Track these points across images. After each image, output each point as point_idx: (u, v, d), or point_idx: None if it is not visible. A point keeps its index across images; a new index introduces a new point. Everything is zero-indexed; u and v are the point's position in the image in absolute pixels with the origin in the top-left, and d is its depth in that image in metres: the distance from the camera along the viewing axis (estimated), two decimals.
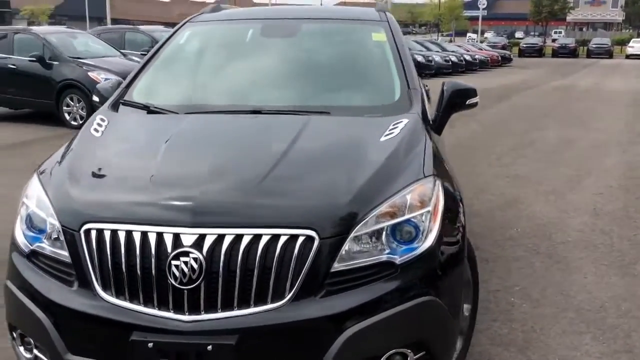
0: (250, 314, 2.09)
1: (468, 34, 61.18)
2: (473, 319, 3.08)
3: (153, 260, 2.11)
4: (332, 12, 3.99)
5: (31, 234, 2.41)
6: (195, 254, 2.08)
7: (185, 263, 2.07)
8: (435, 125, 3.29)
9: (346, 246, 2.19)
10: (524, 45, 48.62)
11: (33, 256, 2.36)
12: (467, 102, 3.40)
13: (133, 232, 2.15)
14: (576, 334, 3.42)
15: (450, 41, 46.69)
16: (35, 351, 2.35)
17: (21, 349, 2.41)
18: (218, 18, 3.83)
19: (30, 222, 2.43)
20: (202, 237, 2.11)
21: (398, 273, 2.23)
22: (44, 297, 2.24)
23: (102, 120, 2.96)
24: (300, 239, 2.13)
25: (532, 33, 73.38)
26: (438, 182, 2.49)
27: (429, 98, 5.21)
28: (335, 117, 2.93)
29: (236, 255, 2.09)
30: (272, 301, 2.11)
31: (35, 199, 2.45)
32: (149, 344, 2.06)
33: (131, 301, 2.14)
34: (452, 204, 2.59)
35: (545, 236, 5.07)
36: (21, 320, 2.35)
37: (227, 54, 3.62)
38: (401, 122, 2.81)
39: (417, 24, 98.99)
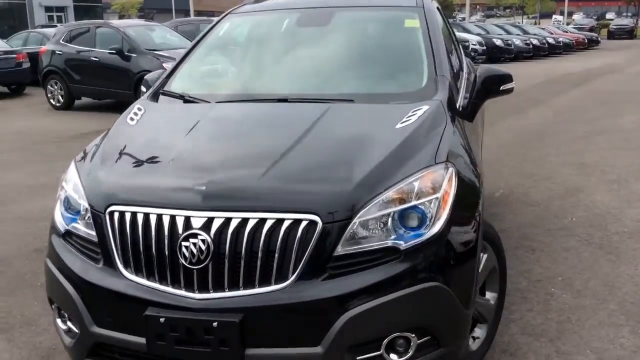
0: (254, 294, 2.20)
1: (553, 16, 58.77)
2: (500, 308, 3.07)
3: (166, 241, 2.25)
4: (368, 0, 4.01)
5: (69, 215, 2.61)
6: (204, 235, 2.20)
7: (194, 244, 2.20)
8: (467, 112, 3.27)
9: (350, 231, 2.25)
10: (614, 27, 46.21)
11: (67, 236, 2.56)
12: (501, 88, 3.35)
13: (150, 215, 2.30)
14: (614, 327, 3.33)
15: (535, 24, 45.10)
16: (69, 323, 2.56)
17: (59, 320, 2.63)
18: (258, 9, 3.95)
19: (67, 205, 2.64)
20: (210, 220, 2.23)
21: (402, 258, 2.27)
22: (74, 274, 2.44)
23: (139, 109, 3.15)
24: (304, 224, 2.21)
25: (625, 14, 69.56)
26: (451, 170, 2.50)
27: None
28: (358, 104, 2.98)
29: (242, 238, 2.20)
30: (276, 282, 2.20)
31: (72, 183, 2.65)
32: (161, 319, 2.20)
33: (148, 279, 2.30)
34: (468, 192, 2.59)
35: (601, 226, 4.90)
36: (56, 294, 2.56)
37: (261, 45, 3.74)
38: (420, 109, 2.82)
39: (501, 7, 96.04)
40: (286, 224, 2.21)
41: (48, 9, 51.97)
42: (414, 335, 2.30)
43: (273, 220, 2.21)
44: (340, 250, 2.24)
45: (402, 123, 2.71)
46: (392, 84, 3.24)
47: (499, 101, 12.14)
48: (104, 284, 2.35)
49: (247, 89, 3.32)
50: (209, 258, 2.20)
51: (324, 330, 2.18)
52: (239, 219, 2.22)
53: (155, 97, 3.35)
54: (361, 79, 3.29)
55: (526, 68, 21.14)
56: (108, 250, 2.37)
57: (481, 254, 2.86)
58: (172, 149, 2.65)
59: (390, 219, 2.31)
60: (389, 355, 2.29)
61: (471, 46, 21.24)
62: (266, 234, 2.20)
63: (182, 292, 2.24)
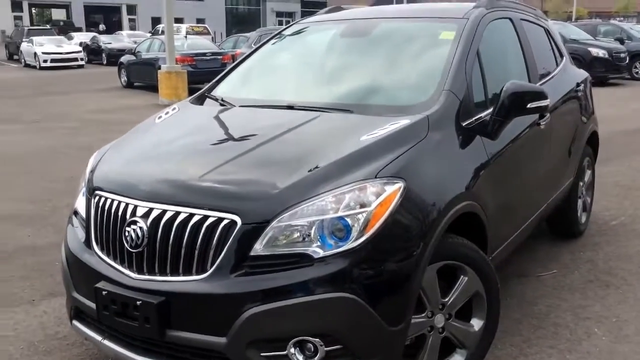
0: (176, 281, 2.43)
1: None
2: (488, 336, 2.94)
3: (118, 225, 2.58)
4: (419, 11, 3.91)
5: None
6: (141, 223, 2.49)
7: (134, 231, 2.50)
8: (488, 129, 3.13)
9: (268, 234, 2.36)
10: None
11: (75, 213, 3.01)
12: (528, 106, 3.14)
13: (114, 201, 2.65)
14: None
15: None
16: None
17: None
18: (321, 19, 4.12)
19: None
20: (150, 211, 2.50)
21: (315, 266, 2.33)
22: (66, 245, 2.88)
23: (173, 109, 3.53)
24: (225, 222, 2.38)
25: None
26: (397, 186, 2.46)
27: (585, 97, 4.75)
28: (349, 114, 3.03)
29: (171, 229, 2.44)
30: (197, 273, 2.41)
31: (88, 168, 3.10)
32: (104, 292, 2.53)
33: (107, 256, 2.64)
34: (418, 212, 2.53)
35: None
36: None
37: (300, 54, 3.92)
38: (397, 122, 2.80)
39: None
40: (210, 220, 2.40)
41: (279, 14, 56.62)
42: (321, 342, 2.34)
43: (200, 217, 2.42)
44: (258, 250, 2.36)
45: (368, 135, 2.72)
46: (399, 96, 3.21)
47: None
48: (79, 255, 2.75)
49: (269, 95, 3.52)
50: (144, 244, 2.48)
51: (230, 323, 2.33)
52: (173, 212, 2.46)
53: (199, 99, 3.70)
54: (370, 90, 3.30)
55: None
56: (88, 229, 2.76)
57: (462, 277, 2.78)
58: (161, 146, 2.98)
59: (314, 227, 2.38)
60: (294, 357, 2.36)
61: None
62: (192, 228, 2.41)
63: (126, 271, 2.54)
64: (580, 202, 4.91)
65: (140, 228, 2.49)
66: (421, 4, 4.16)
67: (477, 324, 2.89)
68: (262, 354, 2.36)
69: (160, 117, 3.45)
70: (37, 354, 3.25)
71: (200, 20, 51.34)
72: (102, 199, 2.71)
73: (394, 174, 2.51)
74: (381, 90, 3.31)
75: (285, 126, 2.94)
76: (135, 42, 24.56)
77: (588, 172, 5.08)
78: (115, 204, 2.64)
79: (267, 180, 2.49)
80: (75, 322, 2.86)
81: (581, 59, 16.97)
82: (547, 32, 4.65)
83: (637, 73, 18.61)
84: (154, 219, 2.48)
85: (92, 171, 2.97)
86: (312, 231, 2.37)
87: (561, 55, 4.75)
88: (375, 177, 2.48)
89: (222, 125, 3.22)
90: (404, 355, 2.71)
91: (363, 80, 3.43)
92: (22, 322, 3.61)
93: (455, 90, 3.04)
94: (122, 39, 30.83)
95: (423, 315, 2.69)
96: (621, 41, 18.45)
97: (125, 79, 18.54)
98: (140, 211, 2.53)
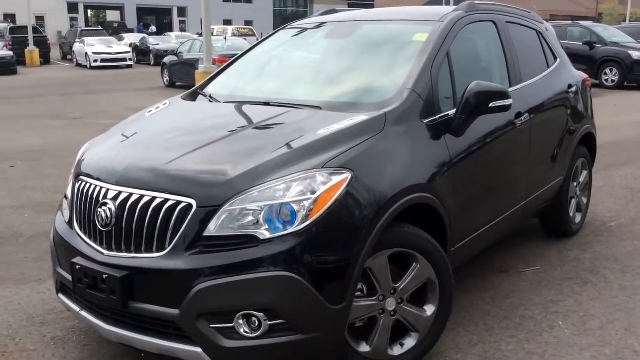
0: (138, 257, 2.68)
1: None
2: (440, 321, 3.10)
3: (92, 206, 2.85)
4: (402, 14, 4.06)
5: None
6: (111, 205, 2.75)
7: (104, 212, 2.76)
8: (452, 127, 3.28)
9: (222, 217, 2.58)
10: None
11: (65, 198, 3.30)
12: (490, 105, 3.28)
13: (91, 185, 2.93)
14: None
15: None
16: None
17: None
18: (312, 22, 4.32)
19: None
20: (119, 194, 2.76)
21: (260, 247, 2.54)
22: (54, 227, 3.18)
23: (164, 104, 3.80)
24: (182, 205, 2.62)
25: None
26: (344, 176, 2.65)
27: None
28: (320, 111, 3.22)
29: (135, 211, 2.69)
30: (157, 250, 2.65)
31: (78, 156, 3.39)
32: (77, 266, 2.80)
33: (84, 234, 2.91)
34: (364, 201, 2.70)
35: None
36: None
37: (284, 54, 4.14)
38: (354, 118, 2.99)
39: None
40: (169, 203, 2.64)
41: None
42: (265, 316, 2.54)
43: (161, 200, 2.66)
44: (212, 231, 2.59)
45: (325, 129, 2.92)
46: (366, 94, 3.37)
47: None
48: (63, 234, 3.04)
49: (249, 92, 3.74)
50: (112, 224, 2.74)
51: (183, 296, 2.56)
52: (138, 195, 2.72)
53: (192, 95, 3.96)
54: (342, 89, 3.50)
55: None
56: (72, 210, 3.05)
57: (414, 264, 2.95)
58: (141, 136, 3.25)
59: (264, 212, 2.59)
60: (241, 329, 2.58)
61: None
62: (153, 210, 2.66)
63: (98, 247, 2.80)
64: (574, 202, 4.97)
65: (110, 209, 2.75)
66: (406, 7, 4.32)
67: (429, 309, 3.05)
68: (211, 326, 2.58)
69: (150, 111, 3.73)
70: (34, 325, 3.57)
71: (248, 22, 52.20)
72: (83, 183, 2.99)
73: (342, 165, 2.71)
74: (351, 89, 3.50)
75: (255, 120, 3.18)
76: (182, 44, 25.27)
77: (584, 173, 5.12)
78: (92, 187, 2.91)
79: (221, 169, 2.72)
80: (60, 295, 3.15)
81: (621, 62, 16.70)
82: (540, 34, 4.73)
83: None
84: (121, 202, 2.74)
85: (81, 159, 3.26)
86: (262, 215, 2.59)
87: (555, 58, 4.83)
88: (323, 168, 2.67)
89: (201, 119, 3.48)
90: (358, 335, 2.91)
91: (337, 79, 3.64)
92: (26, 297, 3.94)
93: (418, 89, 3.20)
94: (169, 40, 31.63)
95: (374, 298, 2.88)
96: None
97: (168, 78, 19.11)
98: (110, 194, 2.79)
